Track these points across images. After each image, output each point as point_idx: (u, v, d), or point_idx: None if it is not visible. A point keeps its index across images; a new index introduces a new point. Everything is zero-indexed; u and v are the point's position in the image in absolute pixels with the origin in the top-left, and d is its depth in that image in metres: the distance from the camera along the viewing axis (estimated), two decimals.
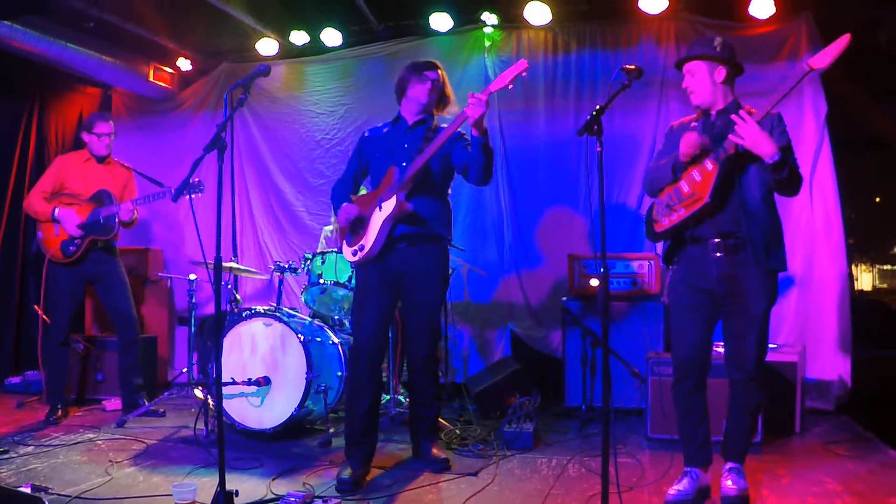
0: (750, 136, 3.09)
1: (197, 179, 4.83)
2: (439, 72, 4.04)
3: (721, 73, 3.38)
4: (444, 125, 3.95)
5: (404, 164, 3.85)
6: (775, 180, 3.21)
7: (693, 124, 3.52)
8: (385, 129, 4.12)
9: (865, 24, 5.49)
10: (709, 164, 3.30)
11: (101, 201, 5.18)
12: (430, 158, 3.78)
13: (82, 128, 5.42)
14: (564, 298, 5.46)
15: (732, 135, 3.16)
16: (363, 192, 4.25)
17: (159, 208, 5.48)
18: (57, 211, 5.13)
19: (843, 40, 2.96)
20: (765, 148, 3.10)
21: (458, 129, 3.78)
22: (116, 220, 5.18)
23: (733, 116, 3.13)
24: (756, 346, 3.34)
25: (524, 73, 3.61)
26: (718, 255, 3.35)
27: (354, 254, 3.93)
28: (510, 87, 3.64)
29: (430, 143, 3.79)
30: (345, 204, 4.01)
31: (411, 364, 4.15)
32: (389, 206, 3.79)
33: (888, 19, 5.47)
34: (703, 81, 3.40)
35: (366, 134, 4.19)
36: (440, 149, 3.78)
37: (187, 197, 4.18)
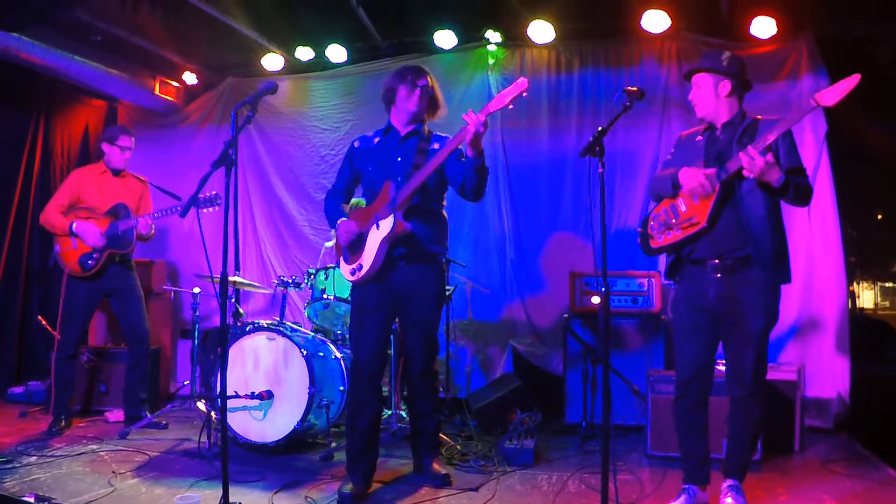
0: (757, 171, 3.13)
1: (214, 192, 4.83)
2: (428, 77, 3.95)
3: (725, 86, 3.43)
4: (437, 132, 3.96)
5: (399, 178, 3.80)
6: (782, 199, 3.30)
7: (699, 137, 3.56)
8: (376, 140, 4.04)
9: (865, 43, 5.53)
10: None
11: (117, 215, 5.18)
12: (426, 178, 3.73)
13: (103, 138, 5.41)
14: (566, 316, 5.47)
15: (741, 156, 3.19)
16: (357, 202, 4.22)
17: (163, 221, 5.51)
18: (75, 225, 5.11)
19: (853, 80, 2.97)
20: (771, 177, 3.17)
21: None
22: (134, 233, 5.20)
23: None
24: (754, 363, 3.37)
25: (525, 93, 3.52)
26: (717, 276, 3.38)
27: (353, 273, 3.87)
28: (510, 107, 3.56)
29: (424, 158, 3.75)
30: (343, 220, 3.94)
31: (410, 378, 4.16)
32: (387, 225, 3.73)
33: (887, 38, 5.51)
34: (706, 94, 3.46)
35: (355, 144, 4.11)
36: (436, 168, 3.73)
37: (194, 210, 4.20)
